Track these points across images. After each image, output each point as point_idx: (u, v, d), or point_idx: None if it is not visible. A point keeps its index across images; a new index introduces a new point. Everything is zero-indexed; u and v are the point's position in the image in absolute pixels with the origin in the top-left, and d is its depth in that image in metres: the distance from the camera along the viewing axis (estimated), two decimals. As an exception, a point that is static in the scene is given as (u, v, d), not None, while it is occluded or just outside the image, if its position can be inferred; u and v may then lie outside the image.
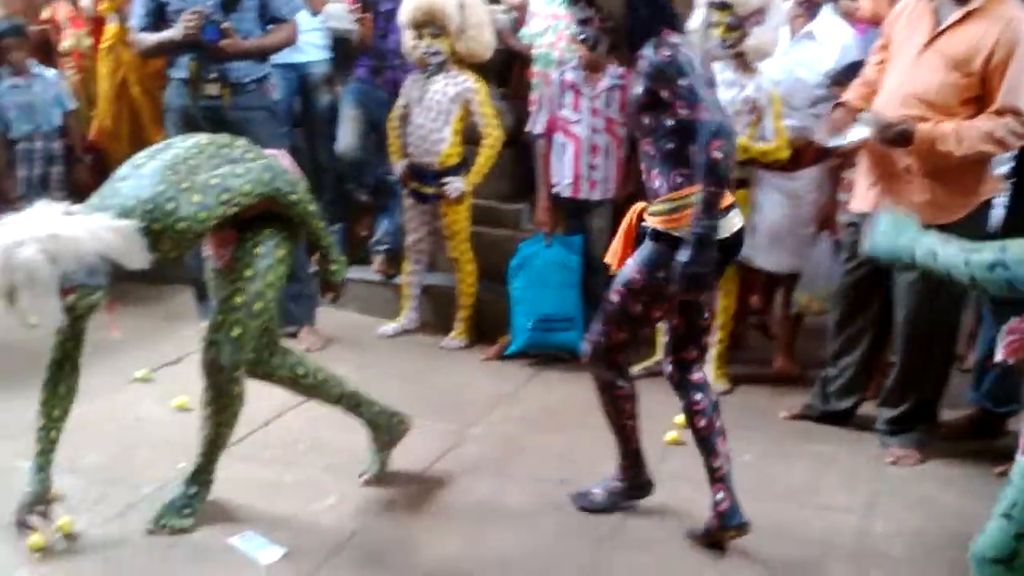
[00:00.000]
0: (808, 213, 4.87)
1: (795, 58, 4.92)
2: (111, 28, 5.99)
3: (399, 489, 3.76)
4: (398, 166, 5.41)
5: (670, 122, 3.23)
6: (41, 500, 3.24)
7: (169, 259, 3.20)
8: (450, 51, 5.20)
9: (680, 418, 4.15)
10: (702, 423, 3.43)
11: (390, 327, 5.56)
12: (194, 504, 3.44)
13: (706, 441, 3.42)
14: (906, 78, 3.96)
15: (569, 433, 4.20)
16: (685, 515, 3.57)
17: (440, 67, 5.24)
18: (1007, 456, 3.04)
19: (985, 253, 2.38)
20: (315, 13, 5.91)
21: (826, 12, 5.02)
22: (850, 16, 5.22)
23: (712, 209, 3.13)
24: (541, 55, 5.45)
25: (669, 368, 3.52)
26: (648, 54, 3.22)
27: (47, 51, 6.32)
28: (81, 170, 6.15)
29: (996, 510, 2.43)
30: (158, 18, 5.01)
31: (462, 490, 3.79)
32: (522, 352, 5.15)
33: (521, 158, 5.64)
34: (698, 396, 3.45)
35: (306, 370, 3.69)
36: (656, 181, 3.32)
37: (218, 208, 3.15)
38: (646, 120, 3.30)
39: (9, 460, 3.75)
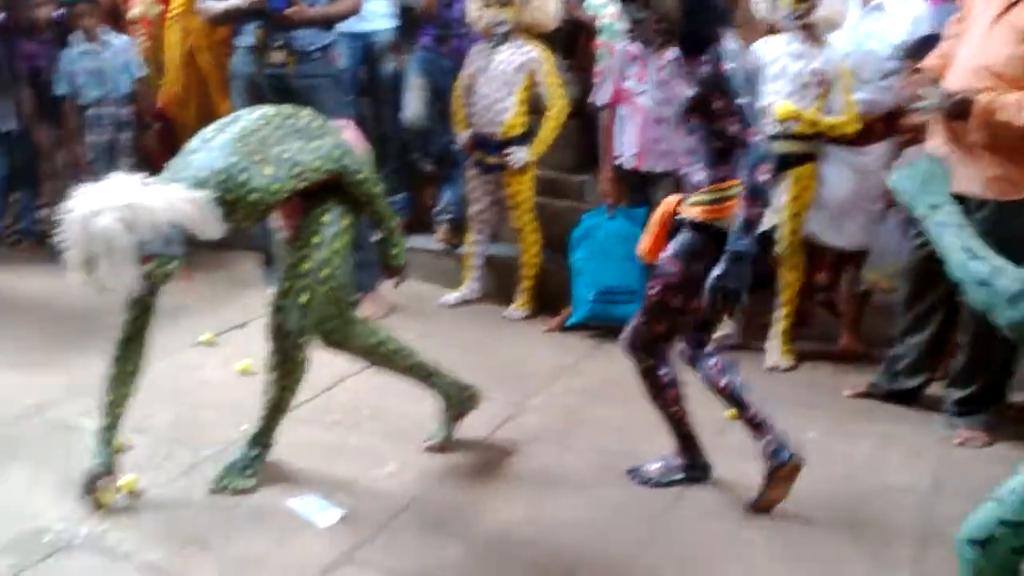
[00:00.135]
0: (877, 189, 4.78)
1: (865, 30, 4.80)
2: (179, -4, 6.04)
3: (459, 457, 3.77)
4: (462, 136, 5.41)
5: (718, 128, 3.23)
6: (107, 473, 3.29)
7: (240, 228, 3.23)
8: (515, 21, 5.17)
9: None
10: (723, 382, 3.45)
11: (452, 296, 5.57)
12: (255, 466, 3.48)
13: (733, 396, 3.46)
14: (977, 50, 3.88)
15: (630, 406, 4.16)
16: (744, 489, 3.54)
17: (505, 37, 5.22)
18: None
19: (982, 265, 2.30)
20: (381, -18, 5.91)
21: (897, -18, 4.92)
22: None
23: (752, 229, 3.17)
24: (607, 26, 5.40)
25: (683, 347, 3.54)
26: (709, 61, 3.20)
27: (117, 18, 6.38)
28: (149, 137, 6.22)
29: (993, 493, 2.38)
30: (225, -14, 5.04)
31: (522, 460, 3.80)
32: (583, 324, 5.13)
33: (585, 129, 5.60)
34: (712, 361, 3.48)
35: (380, 339, 3.70)
36: (699, 175, 3.32)
37: (289, 181, 3.19)
38: (693, 120, 3.29)
39: (74, 419, 3.84)
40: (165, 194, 2.98)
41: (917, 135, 4.41)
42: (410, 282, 5.58)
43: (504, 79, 5.23)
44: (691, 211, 3.34)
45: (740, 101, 3.16)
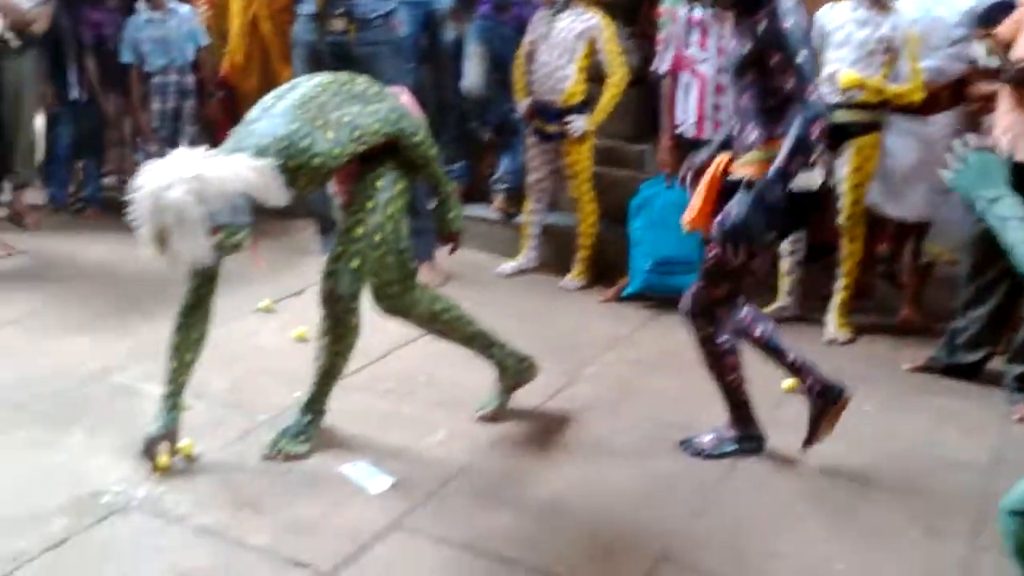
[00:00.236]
0: (942, 159, 4.67)
1: (933, -5, 4.71)
2: (242, -36, 6.07)
3: (511, 426, 3.78)
4: (522, 104, 5.39)
5: (774, 85, 3.19)
6: (169, 438, 3.34)
7: (303, 196, 3.25)
8: (576, -13, 5.14)
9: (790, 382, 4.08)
10: (757, 332, 3.48)
11: (509, 266, 5.57)
12: (309, 431, 3.52)
13: (769, 345, 3.47)
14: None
15: (684, 377, 4.15)
16: (797, 461, 3.53)
17: (567, 4, 5.19)
18: None
19: None
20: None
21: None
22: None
23: (786, 180, 3.15)
24: (669, -8, 5.34)
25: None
26: (767, 17, 3.16)
27: (181, -14, 6.44)
28: (212, 105, 6.29)
29: None
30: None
31: (574, 429, 3.80)
32: (640, 294, 5.11)
33: (646, 98, 5.55)
34: (744, 312, 3.48)
35: (443, 306, 3.70)
36: (752, 133, 3.28)
37: (349, 145, 3.21)
38: (748, 77, 3.25)
39: (137, 384, 3.92)
40: (231, 164, 3.00)
41: (984, 104, 4.32)
42: (467, 251, 5.64)
43: (564, 46, 5.20)
44: (745, 170, 3.29)
45: (799, 60, 3.12)
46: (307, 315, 4.22)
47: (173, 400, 3.35)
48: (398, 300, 3.60)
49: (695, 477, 3.47)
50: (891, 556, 3.06)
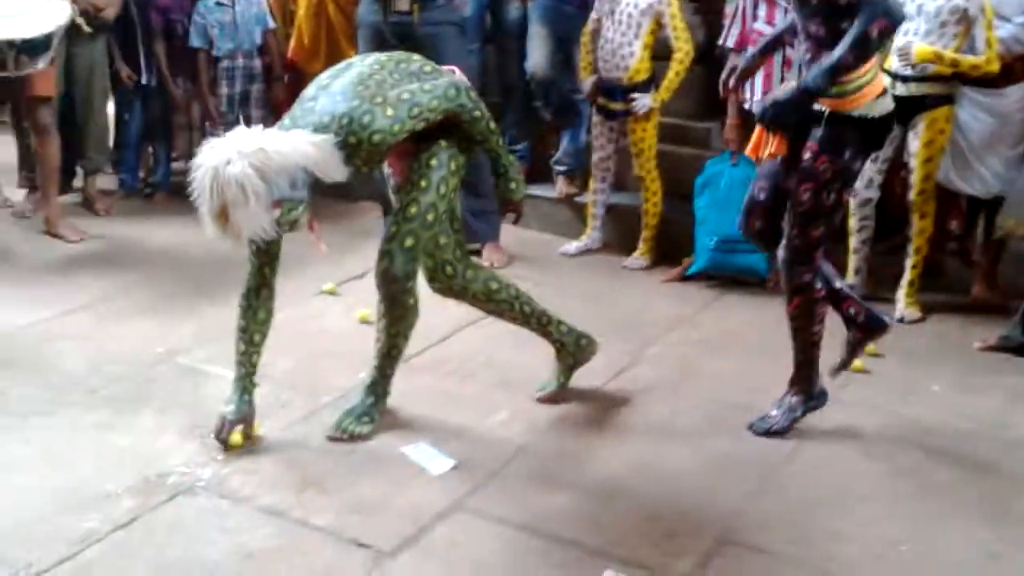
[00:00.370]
0: (1016, 132, 4.57)
1: (1006, -38, 4.57)
2: (308, -52, 6.09)
3: (572, 406, 3.77)
4: (587, 82, 5.35)
5: (841, 3, 3.14)
6: (244, 421, 3.39)
7: (361, 174, 3.26)
8: (642, -37, 5.08)
9: (867, 345, 4.03)
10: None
11: (573, 245, 5.55)
12: (372, 413, 3.54)
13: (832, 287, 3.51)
14: None
15: (747, 358, 4.11)
16: (862, 442, 3.49)
17: (632, -21, 5.13)
18: None
19: None
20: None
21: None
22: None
23: (837, 74, 3.16)
24: (737, -34, 5.26)
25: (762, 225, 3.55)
26: None
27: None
28: (279, 88, 6.33)
29: None
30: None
31: (635, 409, 3.78)
32: (704, 273, 5.07)
33: (712, 74, 5.47)
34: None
35: (499, 285, 3.68)
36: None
37: (409, 122, 3.20)
38: (820, 8, 3.19)
39: (202, 365, 3.98)
40: (291, 138, 3.02)
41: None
42: (531, 231, 5.68)
43: (629, 22, 5.16)
44: (827, 103, 3.28)
45: None
46: (371, 297, 4.21)
47: (246, 382, 3.39)
48: (453, 280, 3.60)
49: (757, 458, 3.44)
50: (957, 538, 3.01)
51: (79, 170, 6.18)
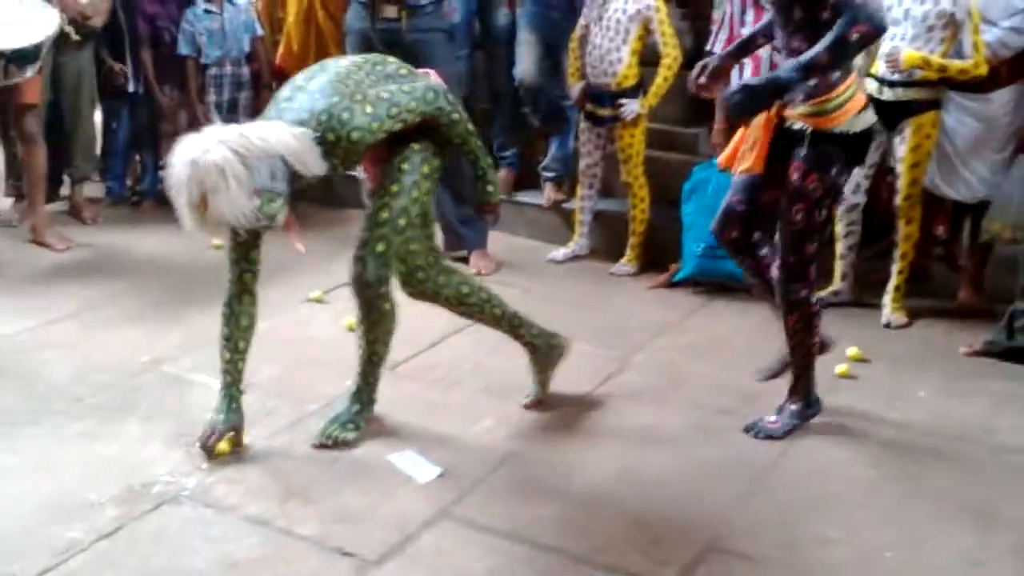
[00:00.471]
0: (1002, 136, 4.57)
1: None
2: (296, -46, 6.09)
3: (558, 413, 3.77)
4: (575, 88, 5.35)
5: (825, 15, 3.15)
6: (234, 429, 3.38)
7: (339, 174, 3.24)
8: (629, -31, 5.08)
9: (853, 351, 4.04)
10: (773, 271, 3.51)
11: (560, 252, 5.55)
12: (357, 420, 3.53)
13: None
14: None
15: (734, 364, 4.11)
16: (848, 447, 3.49)
17: (620, -15, 5.14)
18: None
19: None
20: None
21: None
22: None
23: (809, 73, 3.15)
24: (723, -28, 5.27)
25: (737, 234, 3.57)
26: None
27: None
28: (267, 95, 6.26)
29: None
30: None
31: (621, 416, 3.77)
32: (691, 280, 5.07)
33: (699, 80, 5.48)
34: (764, 250, 3.55)
35: (470, 289, 3.67)
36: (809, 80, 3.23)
37: (388, 121, 3.19)
38: (798, 14, 3.21)
39: (187, 374, 3.96)
40: (271, 128, 3.02)
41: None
42: (518, 237, 5.68)
43: (618, 29, 5.16)
44: (807, 122, 3.30)
45: None
46: (358, 305, 4.25)
47: (233, 390, 3.38)
48: (424, 285, 3.59)
49: (745, 464, 3.43)
50: (942, 544, 3.01)
51: (66, 178, 6.17)
